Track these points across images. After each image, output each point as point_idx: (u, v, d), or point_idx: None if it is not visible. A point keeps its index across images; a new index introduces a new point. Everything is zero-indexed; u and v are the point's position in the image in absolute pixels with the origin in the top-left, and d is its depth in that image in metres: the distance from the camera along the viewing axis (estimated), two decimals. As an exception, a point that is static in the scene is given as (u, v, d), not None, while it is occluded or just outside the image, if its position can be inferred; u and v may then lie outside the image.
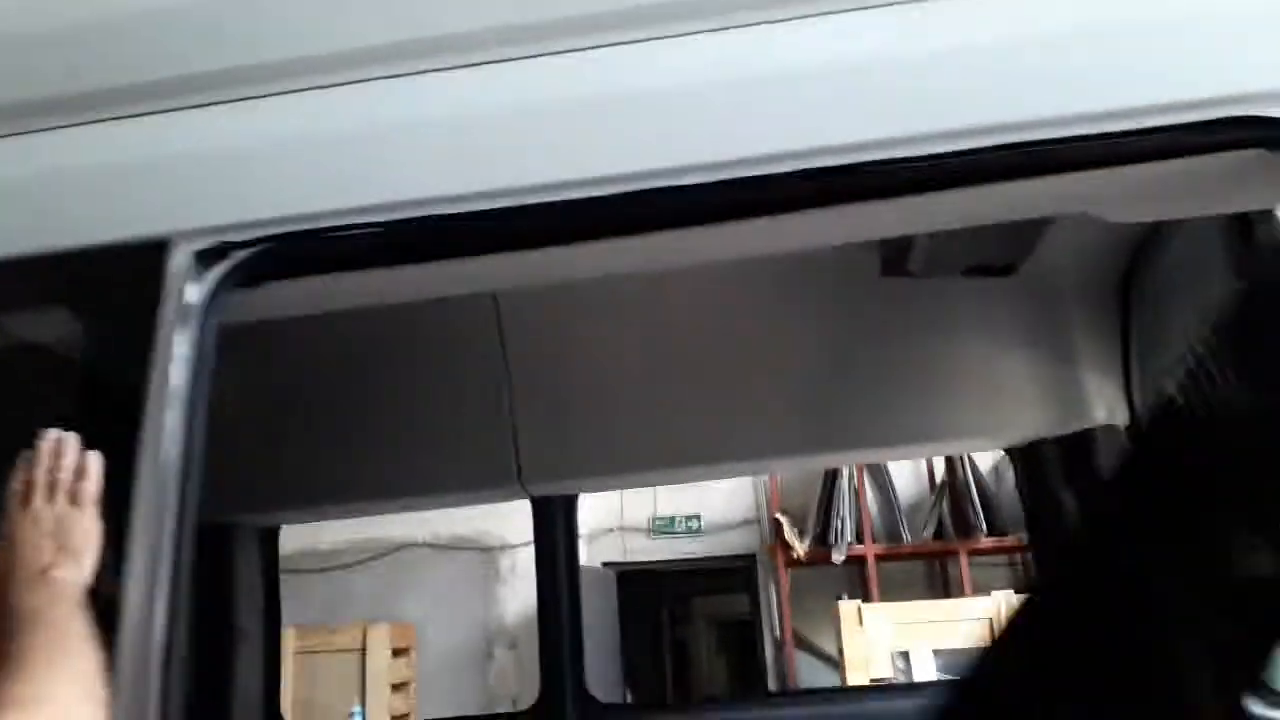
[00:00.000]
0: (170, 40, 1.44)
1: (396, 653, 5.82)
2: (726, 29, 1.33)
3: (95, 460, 1.20)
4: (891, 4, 1.28)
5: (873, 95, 1.24)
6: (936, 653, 4.70)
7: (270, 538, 3.18)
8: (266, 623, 3.13)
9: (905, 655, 4.69)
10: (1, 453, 1.18)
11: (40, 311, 1.34)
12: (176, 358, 1.28)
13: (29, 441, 1.20)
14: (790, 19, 1.31)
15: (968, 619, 4.79)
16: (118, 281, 1.32)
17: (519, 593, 5.96)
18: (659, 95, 1.32)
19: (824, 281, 2.62)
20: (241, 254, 1.34)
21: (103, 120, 1.42)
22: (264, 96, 1.42)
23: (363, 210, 1.35)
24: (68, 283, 1.33)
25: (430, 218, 1.34)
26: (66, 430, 1.22)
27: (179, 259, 1.32)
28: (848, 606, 4.86)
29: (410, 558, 6.16)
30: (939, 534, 5.48)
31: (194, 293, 1.31)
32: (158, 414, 1.26)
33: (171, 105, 1.42)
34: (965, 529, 5.35)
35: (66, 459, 1.19)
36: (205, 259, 1.33)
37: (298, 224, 1.34)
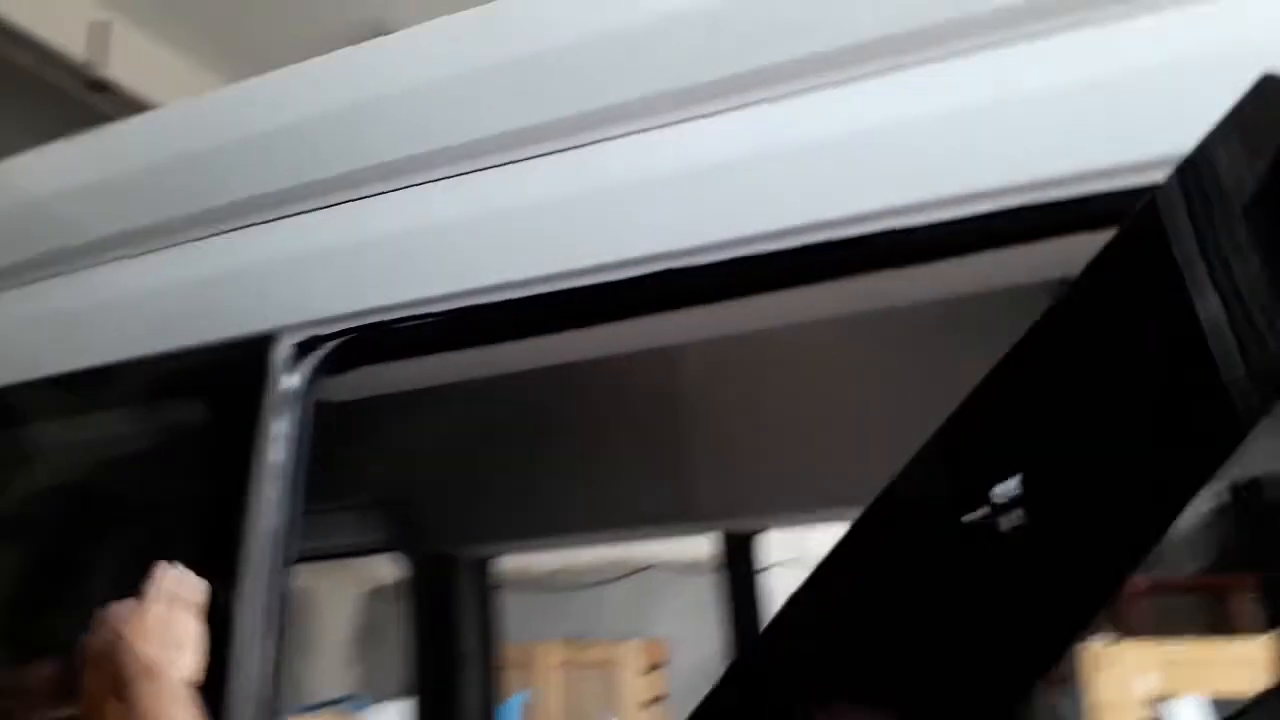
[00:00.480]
0: (278, 157, 1.67)
1: (649, 669, 6.05)
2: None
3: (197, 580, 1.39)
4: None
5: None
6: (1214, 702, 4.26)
7: (485, 567, 3.44)
8: (485, 646, 3.38)
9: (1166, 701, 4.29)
10: (127, 525, 1.42)
11: (167, 401, 1.59)
12: (277, 438, 1.48)
13: (154, 517, 1.45)
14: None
15: (1247, 661, 4.31)
16: (231, 373, 1.54)
17: (770, 613, 6.00)
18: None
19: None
20: (330, 345, 1.52)
21: (221, 233, 1.66)
22: (351, 201, 1.61)
23: (426, 301, 1.49)
24: (193, 375, 1.58)
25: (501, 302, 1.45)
26: (186, 500, 1.45)
27: (281, 351, 1.53)
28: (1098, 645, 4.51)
29: (660, 577, 6.37)
30: (1218, 564, 4.97)
31: (291, 381, 1.51)
32: (262, 488, 1.46)
33: (277, 215, 1.64)
34: (1249, 558, 4.82)
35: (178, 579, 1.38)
36: (301, 350, 1.52)
37: (374, 316, 1.51)
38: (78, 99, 5.23)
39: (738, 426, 2.92)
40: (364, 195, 1.61)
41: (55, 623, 1.78)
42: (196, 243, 1.64)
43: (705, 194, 1.36)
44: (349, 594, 7.05)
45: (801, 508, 3.02)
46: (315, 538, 3.40)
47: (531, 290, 1.44)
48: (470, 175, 1.56)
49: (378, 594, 6.90)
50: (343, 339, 1.52)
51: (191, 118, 1.88)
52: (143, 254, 1.69)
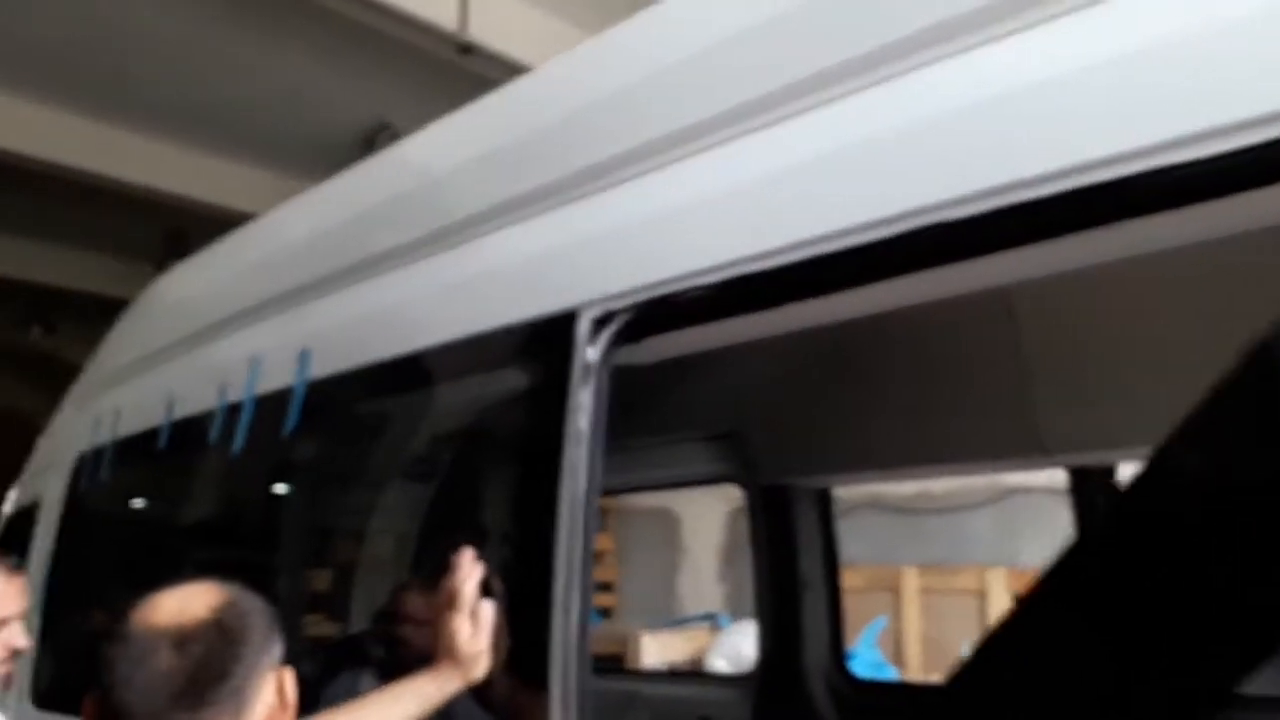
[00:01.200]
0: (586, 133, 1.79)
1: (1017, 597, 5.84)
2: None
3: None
4: None
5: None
6: None
7: (824, 498, 3.49)
8: (826, 573, 3.45)
9: None
10: (458, 489, 1.63)
11: (490, 376, 1.77)
12: (581, 408, 1.62)
13: (486, 476, 1.64)
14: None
15: None
16: (541, 348, 1.69)
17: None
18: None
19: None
20: (624, 318, 1.62)
21: (536, 214, 1.81)
22: (636, 177, 1.69)
23: (713, 269, 1.54)
24: (509, 351, 1.75)
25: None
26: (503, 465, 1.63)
27: (582, 326, 1.65)
28: None
29: (1027, 501, 6.08)
30: None
31: (592, 353, 1.63)
32: (570, 453, 1.61)
33: (580, 194, 1.76)
34: None
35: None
36: (598, 324, 1.64)
37: (663, 288, 1.59)
38: (448, 61, 5.79)
39: (1086, 360, 2.74)
40: (649, 170, 1.69)
41: (423, 555, 2.09)
42: (520, 224, 1.80)
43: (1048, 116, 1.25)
44: (717, 513, 7.41)
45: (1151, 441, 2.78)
46: (666, 467, 3.67)
47: (830, 246, 1.39)
48: (757, 132, 1.56)
49: (742, 512, 7.18)
50: (635, 311, 1.61)
51: (526, 97, 2.06)
52: (483, 235, 1.89)
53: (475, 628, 1.57)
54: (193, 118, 6.54)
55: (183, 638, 1.16)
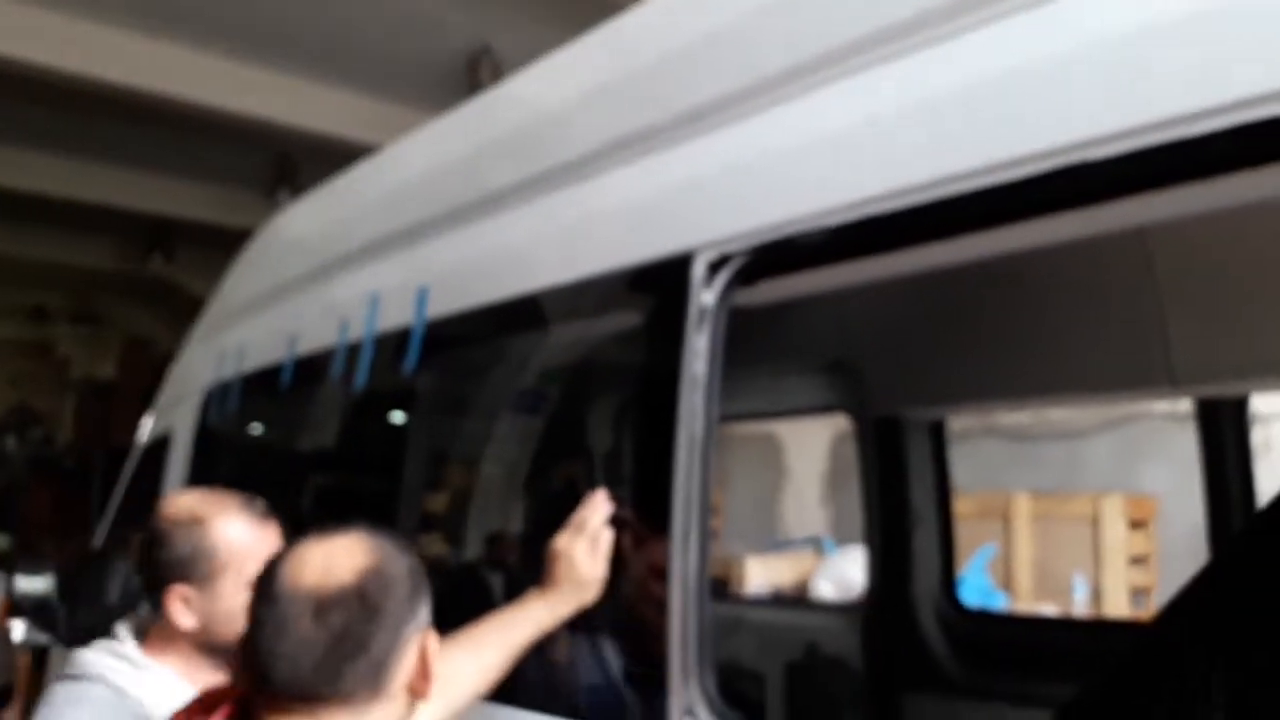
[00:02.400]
0: (691, 73, 1.74)
1: (1134, 525, 5.69)
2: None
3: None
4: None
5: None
6: None
7: (937, 429, 3.43)
8: (939, 506, 3.40)
9: None
10: (575, 427, 1.64)
11: (607, 318, 1.77)
12: (698, 351, 1.61)
13: (602, 416, 1.65)
14: None
15: None
16: (657, 291, 1.68)
17: (1273, 467, 5.35)
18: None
19: None
20: (739, 261, 1.60)
21: (650, 153, 1.79)
22: (752, 114, 1.64)
23: (830, 212, 1.50)
24: (627, 293, 1.74)
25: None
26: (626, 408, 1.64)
27: (698, 269, 1.63)
28: None
29: (1148, 428, 5.89)
30: None
31: (708, 297, 1.62)
32: (688, 397, 1.60)
33: (695, 132, 1.73)
34: None
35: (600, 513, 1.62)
36: (714, 268, 1.62)
37: (778, 232, 1.55)
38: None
39: (1219, 292, 2.62)
40: (765, 108, 1.65)
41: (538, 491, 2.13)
42: (635, 163, 1.78)
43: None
44: (821, 438, 7.38)
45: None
46: (776, 397, 3.65)
47: (958, 187, 1.33)
48: (878, 67, 1.50)
49: (846, 438, 7.13)
50: (751, 255, 1.58)
51: (641, 31, 2.02)
52: (598, 175, 1.88)
53: (595, 555, 1.61)
54: (296, 46, 6.62)
55: (323, 605, 1.13)
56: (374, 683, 1.15)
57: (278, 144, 7.82)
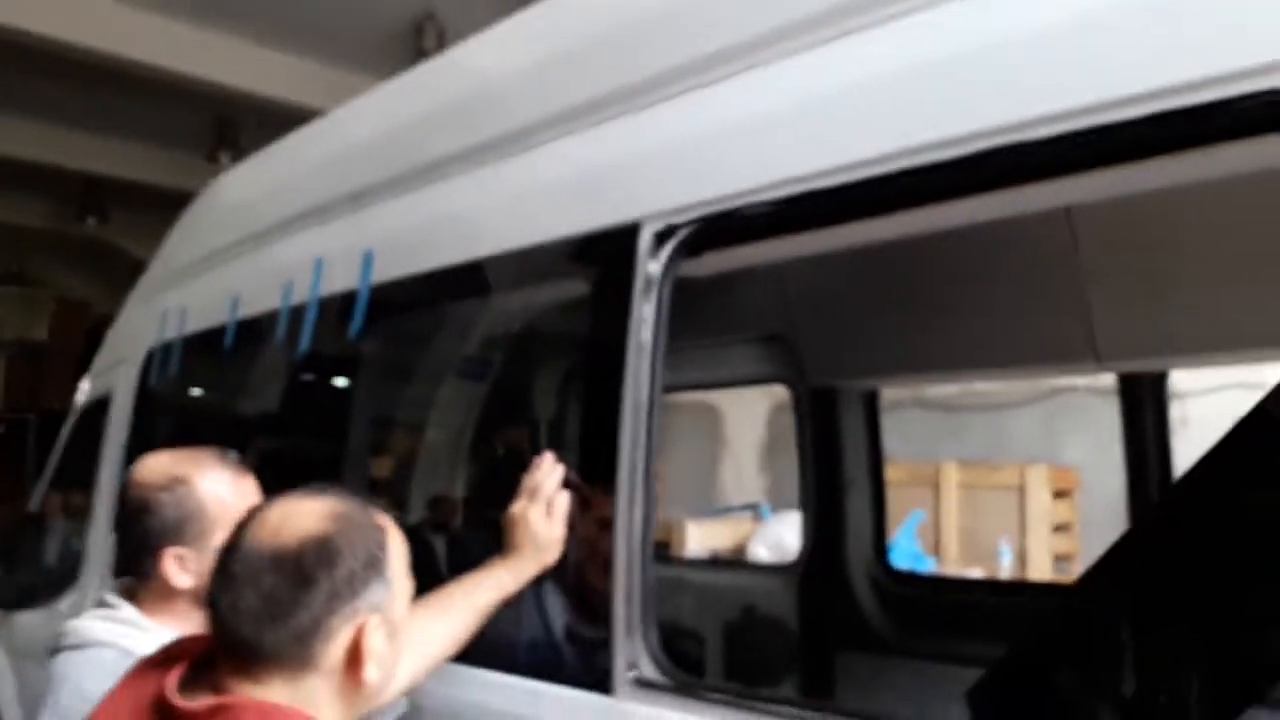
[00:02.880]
0: (642, 44, 1.78)
1: (1057, 495, 5.90)
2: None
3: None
4: None
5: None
6: None
7: (870, 399, 3.54)
8: (871, 473, 3.52)
9: None
10: (520, 392, 1.69)
11: (553, 285, 1.81)
12: (644, 320, 1.66)
13: (548, 382, 1.70)
14: None
15: None
16: (603, 260, 1.73)
17: (1190, 442, 5.57)
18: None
19: None
20: (685, 232, 1.65)
21: (597, 124, 1.83)
22: (700, 88, 1.69)
23: (775, 185, 1.55)
24: (573, 261, 1.79)
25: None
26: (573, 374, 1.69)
27: (644, 239, 1.68)
28: None
29: (1072, 401, 6.09)
30: None
31: (654, 267, 1.67)
32: (634, 364, 1.66)
33: (637, 105, 1.77)
34: None
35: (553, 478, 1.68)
36: (660, 238, 1.67)
37: (723, 204, 1.61)
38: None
39: (1141, 270, 2.74)
40: (712, 82, 1.70)
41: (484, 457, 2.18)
42: (581, 134, 1.82)
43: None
44: (759, 408, 7.50)
45: (1208, 348, 2.80)
46: (716, 368, 3.73)
47: (898, 164, 1.40)
48: (822, 46, 1.56)
49: (784, 408, 7.26)
50: (696, 226, 1.64)
51: (588, 3, 2.05)
52: (545, 144, 1.91)
53: (552, 519, 1.67)
54: (240, 6, 6.49)
55: (262, 566, 1.12)
56: (300, 653, 1.12)
57: (217, 105, 7.67)
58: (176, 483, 1.55)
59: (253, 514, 1.19)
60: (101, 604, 1.60)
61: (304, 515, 1.16)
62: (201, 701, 1.12)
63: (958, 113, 1.35)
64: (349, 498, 1.22)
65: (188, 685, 1.16)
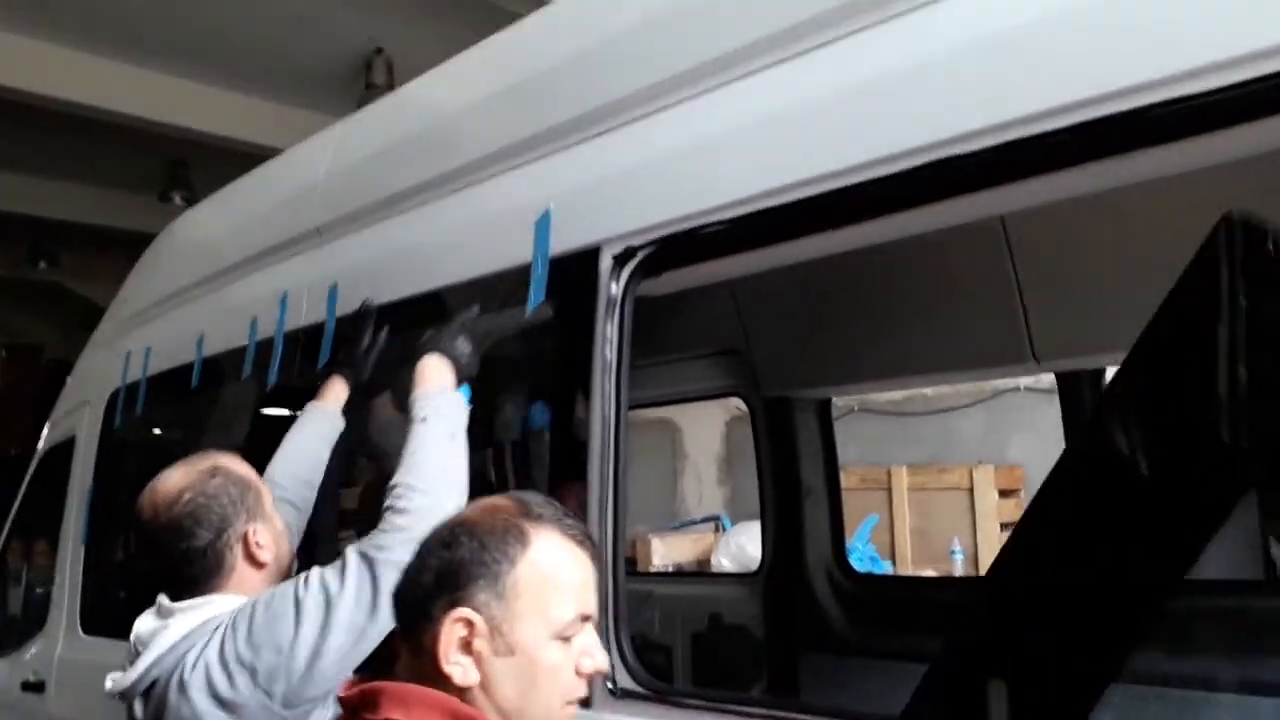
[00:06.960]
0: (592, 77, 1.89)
1: (1004, 493, 6.09)
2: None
3: None
4: None
5: None
6: None
7: (824, 408, 3.66)
8: (827, 479, 3.64)
9: None
10: (489, 415, 1.77)
11: (518, 310, 1.89)
12: (606, 339, 1.75)
13: (518, 398, 1.79)
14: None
15: None
16: (566, 283, 1.83)
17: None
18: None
19: None
20: (643, 253, 1.75)
21: (554, 152, 1.93)
22: (649, 115, 1.80)
23: (729, 206, 1.65)
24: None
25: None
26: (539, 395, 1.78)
27: (605, 262, 1.78)
28: None
29: (1014, 402, 6.29)
30: None
31: (615, 287, 1.77)
32: (600, 382, 1.75)
33: (592, 134, 1.87)
34: None
35: None
36: (619, 260, 1.77)
37: (679, 225, 1.70)
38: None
39: (1074, 273, 2.87)
40: (666, 108, 1.80)
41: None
42: (540, 161, 1.92)
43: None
44: (717, 422, 7.62)
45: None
46: (674, 383, 3.82)
47: (845, 180, 1.49)
48: (758, 75, 1.66)
49: (741, 420, 7.40)
50: (654, 247, 1.73)
51: (543, 33, 2.13)
52: (505, 173, 2.01)
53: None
54: (188, 48, 6.50)
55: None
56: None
57: (168, 146, 7.65)
58: (208, 475, 1.65)
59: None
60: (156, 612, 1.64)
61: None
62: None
63: (892, 131, 1.46)
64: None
65: None
